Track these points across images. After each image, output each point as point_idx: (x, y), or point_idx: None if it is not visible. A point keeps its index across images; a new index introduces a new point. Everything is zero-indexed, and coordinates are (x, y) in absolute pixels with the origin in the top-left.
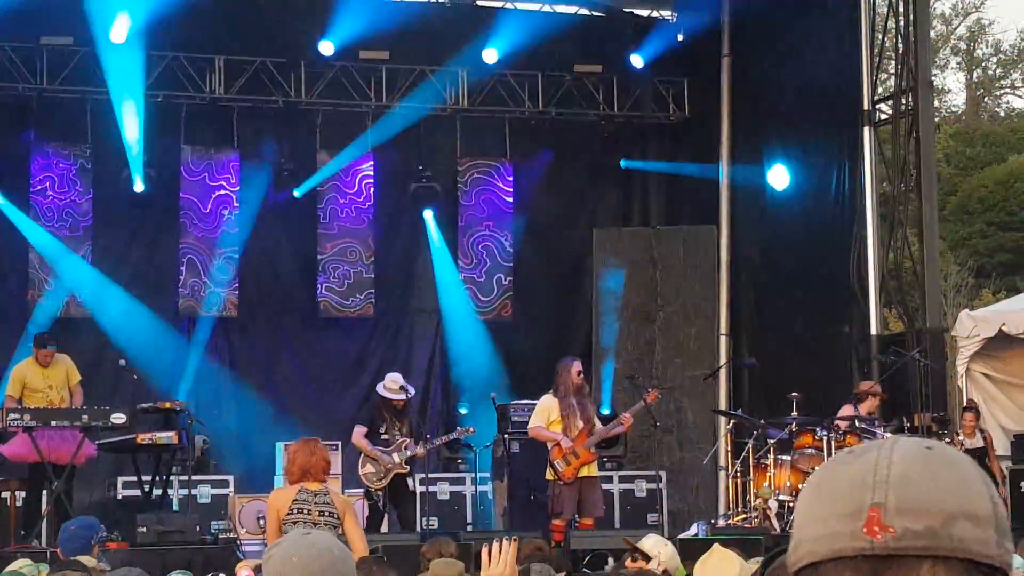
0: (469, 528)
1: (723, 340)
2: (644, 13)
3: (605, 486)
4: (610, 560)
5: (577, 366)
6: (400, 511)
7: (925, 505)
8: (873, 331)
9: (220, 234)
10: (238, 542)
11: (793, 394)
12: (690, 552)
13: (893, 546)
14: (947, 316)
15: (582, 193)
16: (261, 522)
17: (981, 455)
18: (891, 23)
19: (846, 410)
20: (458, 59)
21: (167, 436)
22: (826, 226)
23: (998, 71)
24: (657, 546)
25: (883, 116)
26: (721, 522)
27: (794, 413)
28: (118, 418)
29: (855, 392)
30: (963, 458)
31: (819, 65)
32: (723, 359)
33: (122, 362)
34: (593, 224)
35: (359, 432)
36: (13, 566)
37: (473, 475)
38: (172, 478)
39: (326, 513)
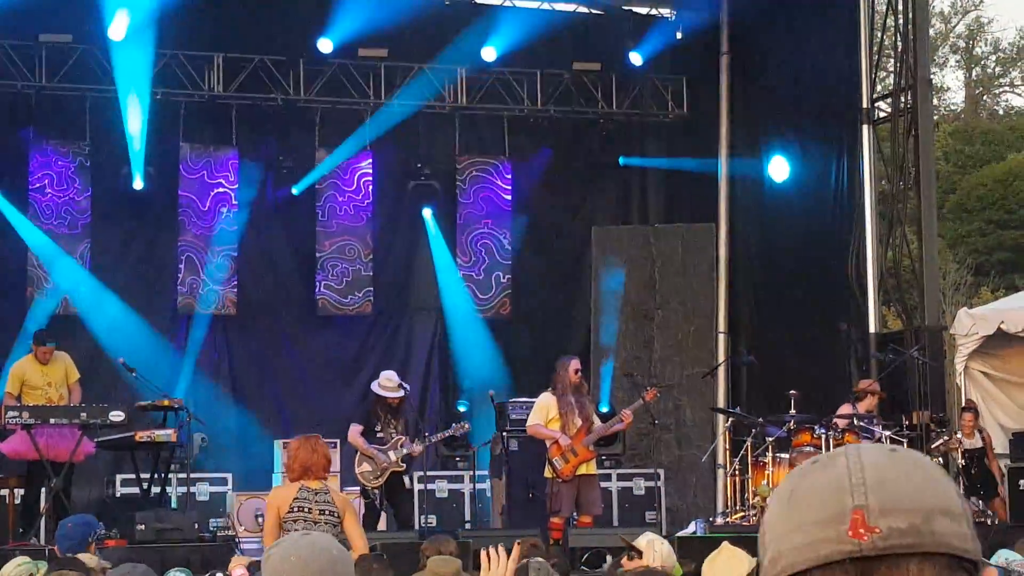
0: (468, 526)
1: (721, 338)
2: (643, 11)
3: (603, 484)
4: (608, 558)
5: (575, 364)
6: (397, 509)
7: (905, 504)
8: (872, 329)
9: (219, 232)
10: (236, 540)
11: (791, 392)
12: (689, 550)
13: (881, 546)
14: (946, 314)
15: (581, 191)
16: (259, 520)
17: (980, 455)
18: (890, 21)
19: (845, 408)
20: (457, 57)
21: (166, 434)
22: (825, 224)
23: (997, 69)
24: (652, 544)
25: (882, 114)
26: (719, 520)
27: (792, 411)
28: (117, 416)
29: (854, 390)
30: (925, 458)
31: (818, 63)
32: (721, 357)
33: (121, 360)
34: (592, 222)
35: (355, 430)
36: (10, 565)
37: (472, 473)
38: (170, 476)
39: (327, 511)
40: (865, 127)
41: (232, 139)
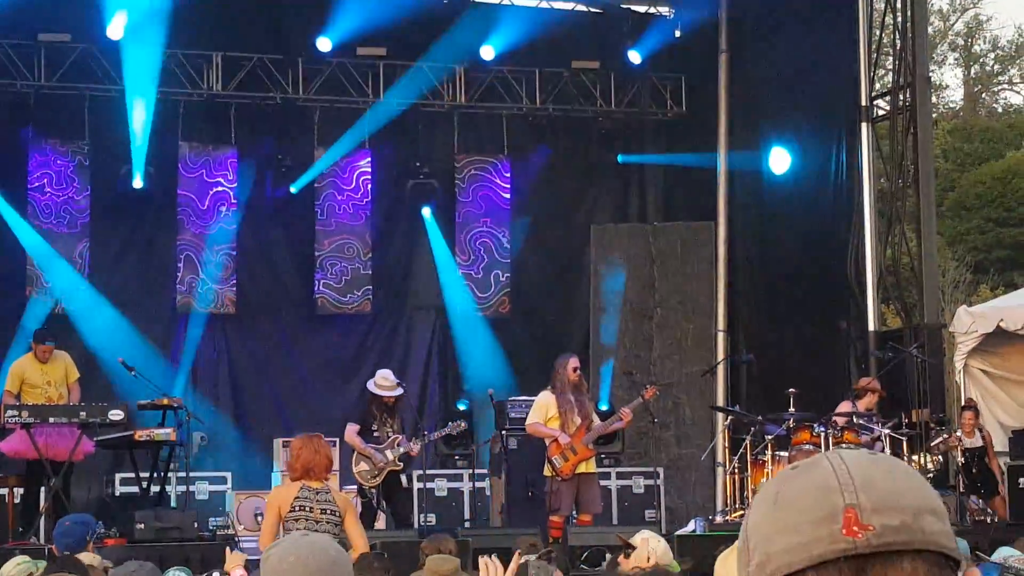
0: (467, 525)
1: (721, 336)
2: (642, 9)
3: (603, 482)
4: (608, 556)
5: (573, 362)
6: (394, 508)
7: (895, 502)
8: (871, 327)
9: (217, 231)
10: (236, 538)
11: (791, 390)
12: (688, 548)
13: (876, 543)
14: (945, 312)
15: (580, 189)
16: (259, 519)
17: (980, 454)
18: (888, 19)
19: (844, 406)
20: (455, 55)
21: (165, 433)
22: (824, 222)
23: (996, 67)
24: (646, 541)
25: (881, 112)
26: (719, 518)
27: (792, 409)
28: (116, 415)
29: (853, 388)
30: (902, 462)
31: (817, 61)
32: (721, 355)
33: (120, 359)
34: (591, 220)
35: (351, 430)
36: (10, 564)
37: (471, 471)
38: (170, 475)
39: (328, 511)
40: (864, 125)
41: (231, 138)
